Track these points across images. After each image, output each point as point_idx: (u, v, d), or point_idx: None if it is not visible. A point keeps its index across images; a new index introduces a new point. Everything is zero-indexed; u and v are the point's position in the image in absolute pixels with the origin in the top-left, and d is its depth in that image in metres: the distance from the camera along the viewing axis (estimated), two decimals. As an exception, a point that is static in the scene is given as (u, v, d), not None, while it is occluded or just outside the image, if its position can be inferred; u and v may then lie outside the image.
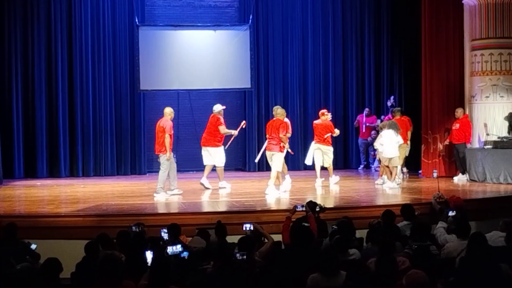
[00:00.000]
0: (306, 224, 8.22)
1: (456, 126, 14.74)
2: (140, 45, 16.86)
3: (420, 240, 7.34)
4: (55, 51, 16.55)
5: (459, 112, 14.75)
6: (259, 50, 17.61)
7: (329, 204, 11.70)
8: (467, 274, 5.85)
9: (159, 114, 17.62)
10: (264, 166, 17.24)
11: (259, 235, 8.50)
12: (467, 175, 14.56)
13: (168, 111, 13.10)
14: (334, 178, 14.40)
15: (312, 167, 14.74)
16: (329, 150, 14.36)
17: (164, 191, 12.72)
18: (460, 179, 14.56)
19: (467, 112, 15.01)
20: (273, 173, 12.99)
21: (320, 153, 14.29)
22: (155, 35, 17.10)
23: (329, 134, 14.24)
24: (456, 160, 14.97)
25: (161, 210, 11.25)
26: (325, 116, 14.33)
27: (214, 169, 13.82)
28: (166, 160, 12.75)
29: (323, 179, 14.24)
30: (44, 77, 16.50)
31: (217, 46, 17.28)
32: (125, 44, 17.06)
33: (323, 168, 14.45)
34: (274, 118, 13.24)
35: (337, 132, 14.42)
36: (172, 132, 12.93)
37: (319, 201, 10.69)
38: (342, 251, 7.12)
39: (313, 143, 14.47)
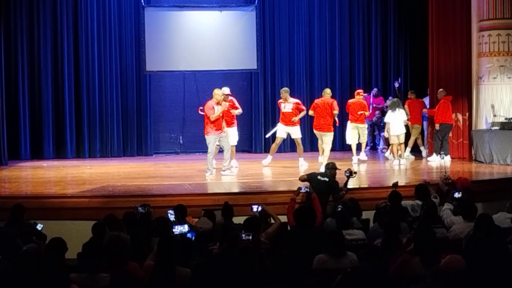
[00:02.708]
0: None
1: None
2: (145, 26, 16.79)
3: (430, 221, 7.33)
4: (61, 33, 16.50)
5: (440, 93, 14.85)
6: (265, 31, 17.53)
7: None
8: (474, 255, 5.83)
9: (165, 95, 17.74)
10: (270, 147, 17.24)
11: (266, 216, 8.53)
12: (440, 155, 14.52)
13: (215, 92, 12.96)
14: (362, 155, 14.96)
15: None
16: (364, 127, 15.11)
17: (211, 171, 12.77)
18: (434, 159, 14.56)
19: (474, 94, 14.97)
20: (327, 152, 13.66)
21: (355, 132, 15.00)
22: (160, 16, 17.02)
23: (362, 112, 14.88)
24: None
25: (167, 191, 11.25)
26: (360, 96, 15.16)
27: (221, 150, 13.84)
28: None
29: (359, 156, 14.95)
30: (50, 59, 16.46)
31: (223, 27, 17.20)
32: (131, 25, 16.99)
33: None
34: (323, 98, 14.07)
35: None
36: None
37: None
38: (344, 229, 7.16)
39: (348, 122, 15.22)
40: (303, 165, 14.03)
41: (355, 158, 14.80)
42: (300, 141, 14.37)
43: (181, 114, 17.61)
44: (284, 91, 14.35)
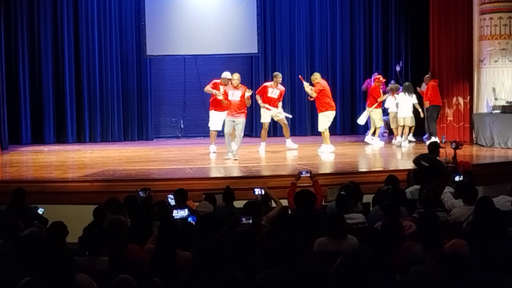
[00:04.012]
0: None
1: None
2: (146, 10, 16.72)
3: (429, 205, 7.33)
4: (61, 16, 16.43)
5: (427, 78, 15.17)
6: (265, 14, 17.46)
7: (336, 169, 11.76)
8: (474, 238, 5.84)
9: (165, 79, 17.70)
10: (271, 132, 17.23)
11: (267, 200, 8.53)
12: (435, 138, 14.65)
13: (234, 77, 13.18)
14: (373, 138, 15.21)
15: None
16: (374, 111, 15.22)
17: (226, 154, 12.94)
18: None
19: (475, 77, 14.96)
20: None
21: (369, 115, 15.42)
22: (161, -1, 16.98)
23: (372, 98, 15.20)
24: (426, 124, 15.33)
25: (168, 175, 11.26)
26: (376, 83, 15.34)
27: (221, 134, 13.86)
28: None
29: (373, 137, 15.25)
30: (50, 43, 16.41)
31: (224, 11, 17.14)
32: (131, 9, 16.91)
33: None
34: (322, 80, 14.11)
35: (383, 97, 15.33)
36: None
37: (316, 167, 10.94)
38: (345, 213, 7.16)
39: None
40: (293, 146, 14.07)
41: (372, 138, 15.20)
42: (286, 121, 14.34)
43: (181, 98, 17.59)
44: (279, 76, 14.27)
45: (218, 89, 13.53)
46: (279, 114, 14.16)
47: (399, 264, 5.59)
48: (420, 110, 15.02)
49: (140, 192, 8.34)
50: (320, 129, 13.82)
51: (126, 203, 7.77)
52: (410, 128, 15.01)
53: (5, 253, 5.83)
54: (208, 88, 13.77)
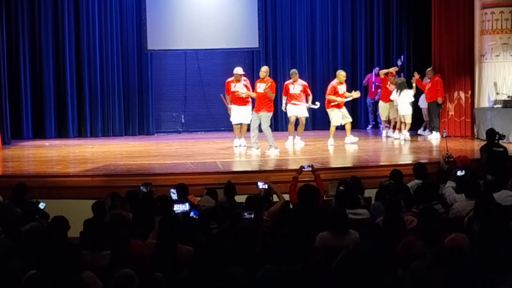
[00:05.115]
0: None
1: (429, 85, 15.02)
2: (147, 4, 16.70)
3: (425, 200, 7.32)
4: (62, 11, 16.41)
5: (430, 73, 15.11)
6: (267, 9, 17.42)
7: (338, 164, 11.76)
8: (475, 233, 5.84)
9: (166, 74, 17.68)
10: (273, 126, 17.20)
11: (269, 195, 8.53)
12: (436, 132, 14.78)
13: (262, 70, 13.60)
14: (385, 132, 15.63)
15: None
16: (380, 105, 15.71)
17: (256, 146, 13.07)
18: (435, 137, 14.71)
19: (476, 72, 14.96)
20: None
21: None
22: (162, -6, 16.95)
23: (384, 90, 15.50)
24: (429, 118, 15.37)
25: (169, 170, 11.25)
26: (390, 76, 15.43)
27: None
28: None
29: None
30: (51, 38, 16.39)
31: (225, 5, 17.12)
32: (132, 3, 16.88)
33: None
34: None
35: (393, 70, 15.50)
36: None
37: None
38: (350, 208, 7.15)
39: None
40: (299, 143, 14.06)
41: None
42: (304, 120, 14.35)
43: (182, 92, 17.57)
44: (295, 73, 14.29)
45: (230, 87, 13.77)
46: (302, 110, 14.17)
47: (401, 259, 5.58)
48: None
49: (142, 187, 8.33)
50: (340, 123, 14.35)
51: (128, 198, 7.76)
52: (426, 122, 15.40)
53: (7, 248, 5.83)
54: (223, 99, 14.03)
